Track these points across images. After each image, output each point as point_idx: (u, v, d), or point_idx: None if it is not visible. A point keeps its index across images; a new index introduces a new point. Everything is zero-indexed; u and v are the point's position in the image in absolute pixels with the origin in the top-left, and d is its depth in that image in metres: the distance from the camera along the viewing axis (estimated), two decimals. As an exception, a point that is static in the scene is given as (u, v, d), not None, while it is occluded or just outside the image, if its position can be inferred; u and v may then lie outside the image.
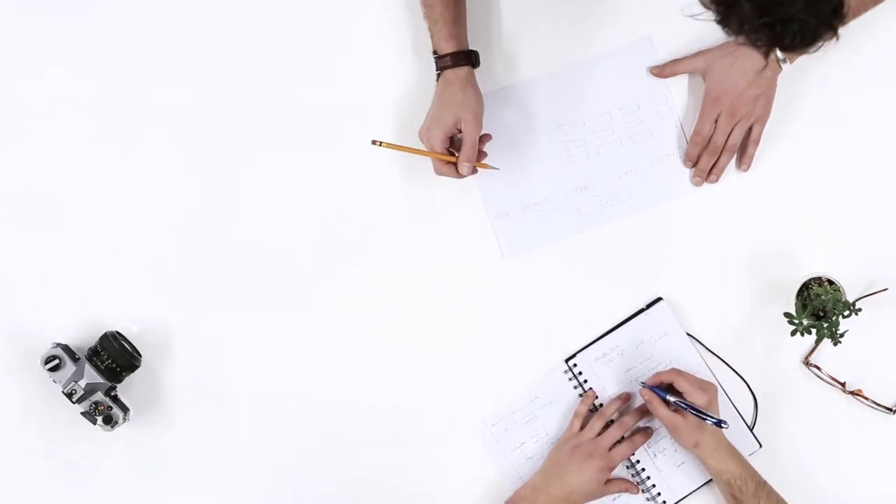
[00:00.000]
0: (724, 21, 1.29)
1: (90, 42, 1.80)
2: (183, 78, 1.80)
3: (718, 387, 1.76)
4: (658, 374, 1.74)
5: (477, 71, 1.73)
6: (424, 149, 1.71)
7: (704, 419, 1.66)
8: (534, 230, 1.79)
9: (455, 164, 1.69)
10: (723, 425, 1.66)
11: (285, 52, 1.80)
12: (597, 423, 1.75)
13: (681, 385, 1.69)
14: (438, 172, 1.71)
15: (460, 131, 1.69)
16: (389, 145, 1.70)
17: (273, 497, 1.78)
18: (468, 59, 1.70)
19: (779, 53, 1.70)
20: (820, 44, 1.28)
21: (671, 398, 1.70)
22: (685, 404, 1.68)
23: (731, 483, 1.68)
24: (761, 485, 1.68)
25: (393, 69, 1.80)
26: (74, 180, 1.79)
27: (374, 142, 1.69)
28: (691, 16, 1.62)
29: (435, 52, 1.71)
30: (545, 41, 1.79)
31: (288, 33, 1.80)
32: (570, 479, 1.71)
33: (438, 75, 1.70)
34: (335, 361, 1.79)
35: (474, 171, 1.71)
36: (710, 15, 1.29)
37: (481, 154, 1.72)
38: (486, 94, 1.76)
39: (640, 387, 1.73)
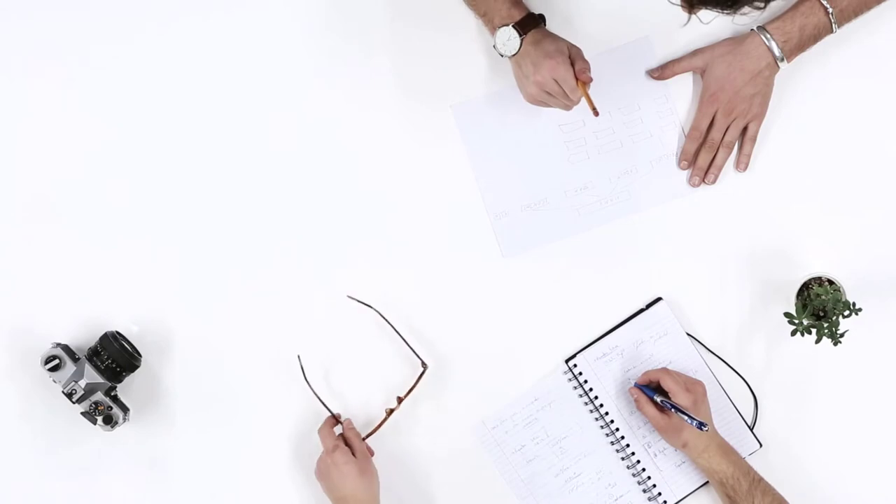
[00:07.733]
0: None
1: (88, 41, 1.80)
2: (183, 78, 1.80)
3: (719, 387, 1.76)
4: (647, 372, 1.74)
5: (477, 72, 1.73)
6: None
7: (686, 420, 1.66)
8: (534, 230, 1.79)
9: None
10: (703, 428, 1.66)
11: (281, 54, 1.81)
12: None
13: (667, 384, 1.69)
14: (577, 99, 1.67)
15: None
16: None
17: (273, 496, 1.78)
18: (542, 18, 1.69)
19: (776, 52, 1.71)
20: (743, 5, 1.27)
21: (658, 397, 1.70)
22: (670, 404, 1.68)
23: (724, 483, 1.68)
24: (756, 482, 1.67)
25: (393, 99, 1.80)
26: (74, 180, 1.79)
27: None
28: None
29: (503, 27, 1.65)
30: (545, 42, 1.79)
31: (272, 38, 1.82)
32: None
33: (520, 44, 1.65)
34: (334, 361, 1.79)
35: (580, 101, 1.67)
36: None
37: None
38: (486, 94, 1.78)
39: (632, 386, 1.74)
